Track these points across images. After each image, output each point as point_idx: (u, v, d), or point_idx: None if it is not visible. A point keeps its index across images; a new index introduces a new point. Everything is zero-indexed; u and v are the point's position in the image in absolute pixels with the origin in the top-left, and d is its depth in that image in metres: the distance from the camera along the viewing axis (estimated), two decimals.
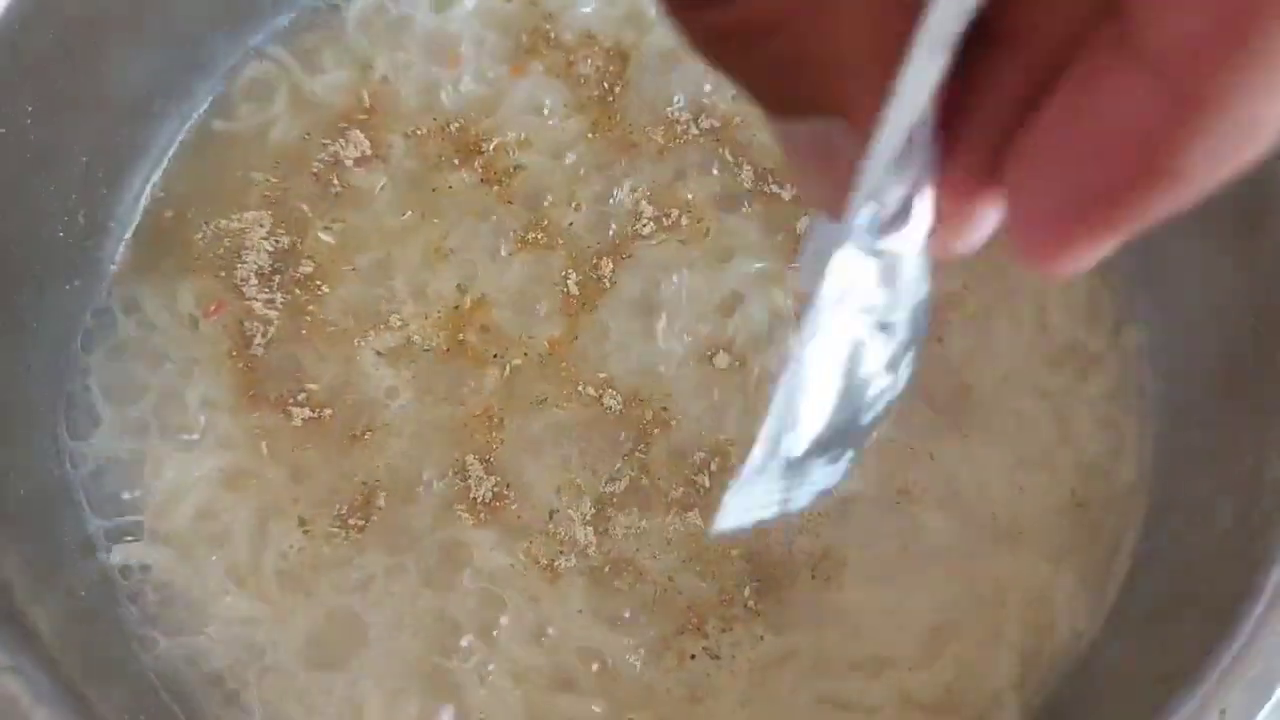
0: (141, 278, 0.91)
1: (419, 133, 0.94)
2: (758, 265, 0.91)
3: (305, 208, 0.92)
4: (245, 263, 0.89)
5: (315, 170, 0.93)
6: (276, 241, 0.90)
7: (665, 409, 0.87)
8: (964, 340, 0.89)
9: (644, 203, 0.92)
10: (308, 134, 0.94)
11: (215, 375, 0.88)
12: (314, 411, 0.87)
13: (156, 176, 0.94)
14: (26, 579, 0.74)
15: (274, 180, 0.92)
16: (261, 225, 0.91)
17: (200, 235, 0.91)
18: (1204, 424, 0.85)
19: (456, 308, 0.89)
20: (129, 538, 0.85)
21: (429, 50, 0.97)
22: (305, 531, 0.85)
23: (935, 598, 0.83)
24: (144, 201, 0.93)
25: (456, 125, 0.94)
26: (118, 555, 0.85)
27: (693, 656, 0.82)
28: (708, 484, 0.85)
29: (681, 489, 0.85)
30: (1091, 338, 0.91)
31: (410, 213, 0.92)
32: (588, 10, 0.98)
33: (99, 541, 0.85)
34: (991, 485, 0.86)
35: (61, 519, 0.84)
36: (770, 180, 0.93)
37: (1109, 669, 0.82)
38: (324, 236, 0.91)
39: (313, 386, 0.87)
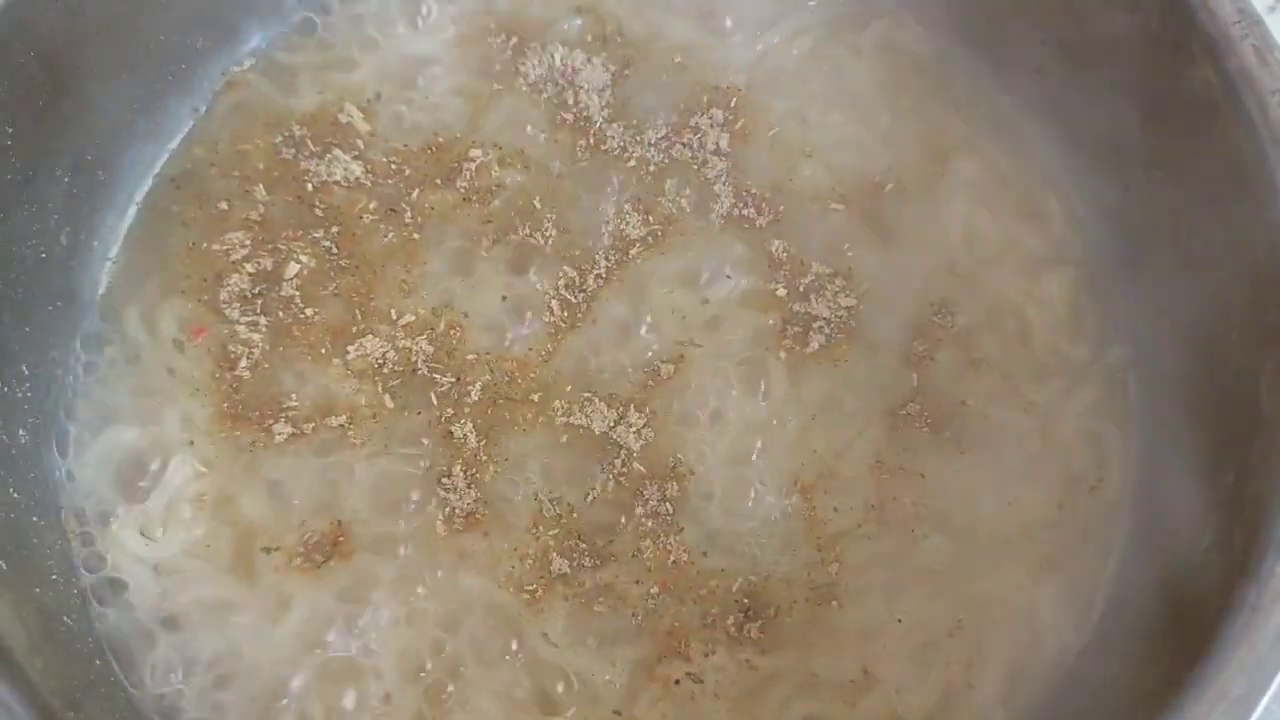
0: (125, 301, 0.91)
1: (401, 151, 0.94)
2: (743, 283, 0.91)
3: (287, 230, 0.91)
4: (227, 286, 0.89)
5: (296, 192, 0.93)
6: (258, 264, 0.90)
7: (645, 427, 0.86)
8: (954, 355, 0.89)
9: (626, 220, 0.92)
10: (288, 156, 0.94)
11: (199, 397, 0.87)
12: (295, 429, 0.86)
13: (139, 197, 0.94)
14: (6, 601, 0.74)
15: (255, 203, 0.92)
16: (244, 247, 0.90)
17: (182, 257, 0.91)
18: (1187, 440, 0.85)
19: (432, 329, 0.89)
20: (110, 558, 0.84)
21: (408, 69, 0.97)
22: (279, 550, 0.84)
23: (924, 616, 0.83)
24: (127, 222, 0.93)
25: (438, 144, 0.94)
26: (98, 575, 0.84)
27: (676, 681, 0.81)
28: (671, 510, 0.85)
29: (651, 521, 0.84)
30: (1076, 352, 0.91)
31: (391, 234, 0.91)
32: (570, 27, 0.98)
33: (79, 561, 0.84)
34: (981, 501, 0.86)
35: (44, 538, 0.83)
36: (748, 203, 0.93)
37: (1095, 686, 0.82)
38: (305, 259, 0.90)
39: (294, 406, 0.87)
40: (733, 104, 0.96)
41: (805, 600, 0.83)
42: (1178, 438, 0.86)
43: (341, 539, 0.84)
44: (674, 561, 0.84)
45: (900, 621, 0.83)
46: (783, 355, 0.89)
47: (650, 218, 0.92)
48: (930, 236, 0.93)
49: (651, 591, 0.83)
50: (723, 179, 0.94)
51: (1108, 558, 0.86)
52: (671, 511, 0.85)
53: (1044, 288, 0.93)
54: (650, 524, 0.84)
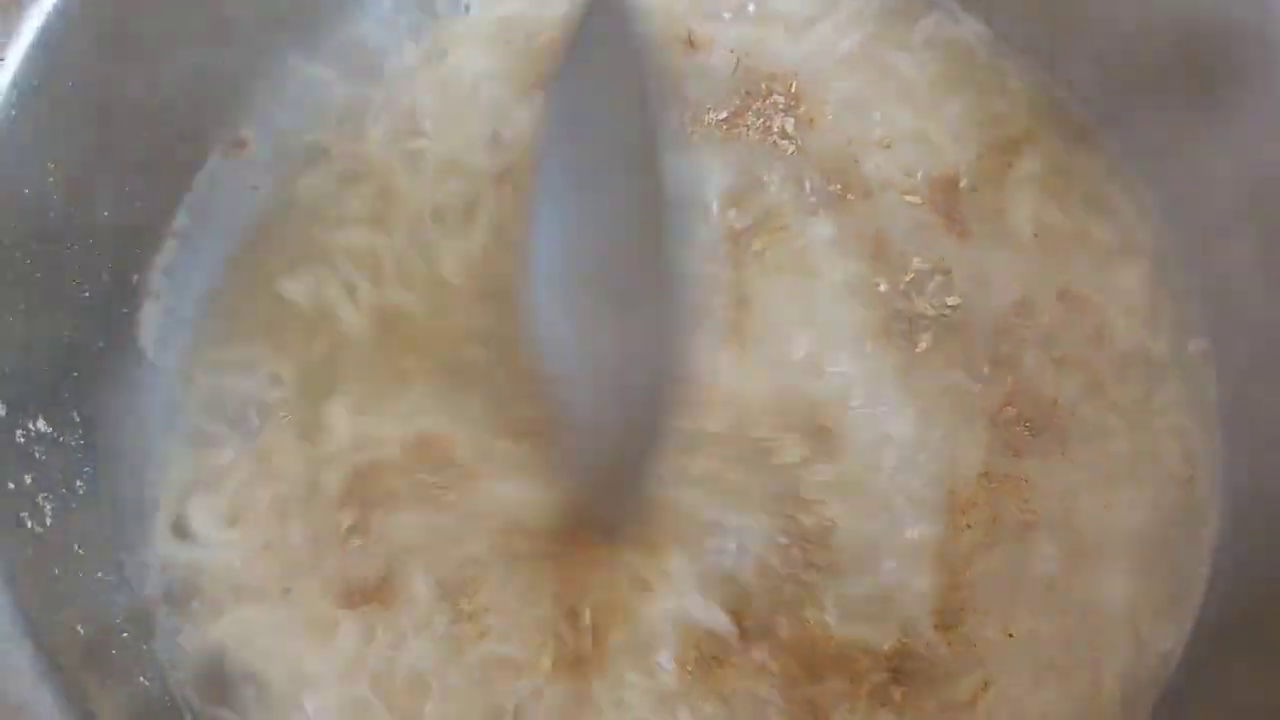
0: (171, 341, 0.88)
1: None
2: (850, 271, 0.89)
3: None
4: None
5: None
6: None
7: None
8: (1039, 355, 0.87)
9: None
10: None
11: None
12: None
13: (180, 225, 0.90)
14: (91, 672, 0.71)
15: None
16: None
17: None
18: (1275, 433, 0.84)
19: None
20: (177, 599, 0.82)
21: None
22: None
23: (1040, 628, 0.81)
24: (168, 256, 0.89)
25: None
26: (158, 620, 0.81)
27: None
28: (815, 578, 0.81)
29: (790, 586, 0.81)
30: (1156, 346, 0.89)
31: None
32: None
33: (150, 613, 0.81)
34: (1083, 504, 0.84)
35: (114, 589, 0.80)
36: (839, 185, 0.91)
37: (1204, 692, 0.80)
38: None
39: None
40: (792, 89, 0.94)
41: (935, 628, 0.80)
42: (1265, 432, 0.85)
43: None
44: (812, 640, 0.80)
45: (1011, 636, 0.81)
46: (890, 361, 0.86)
47: (743, 211, 0.90)
48: (1001, 232, 0.91)
49: (793, 672, 0.79)
50: (811, 164, 0.92)
51: (1204, 560, 0.84)
52: (812, 580, 0.81)
53: (1118, 281, 0.91)
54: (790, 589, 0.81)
